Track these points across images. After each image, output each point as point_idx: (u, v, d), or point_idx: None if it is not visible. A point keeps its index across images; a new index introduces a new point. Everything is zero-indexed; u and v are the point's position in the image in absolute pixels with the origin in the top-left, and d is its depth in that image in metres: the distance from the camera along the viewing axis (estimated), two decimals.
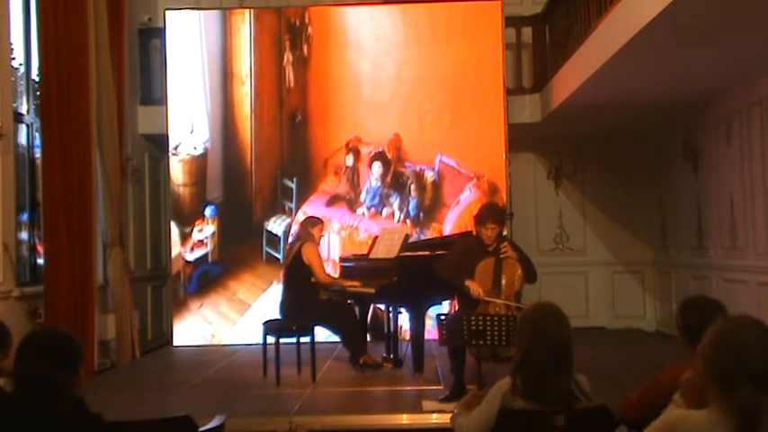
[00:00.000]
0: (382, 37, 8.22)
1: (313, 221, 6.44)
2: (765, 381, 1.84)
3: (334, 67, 8.00)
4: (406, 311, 6.21)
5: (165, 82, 8.26)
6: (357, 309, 6.45)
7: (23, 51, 6.66)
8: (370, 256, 6.46)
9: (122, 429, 2.73)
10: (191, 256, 7.86)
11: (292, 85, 7.90)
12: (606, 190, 9.32)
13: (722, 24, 4.97)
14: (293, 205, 7.81)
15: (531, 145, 9.25)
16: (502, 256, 5.10)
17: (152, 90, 8.62)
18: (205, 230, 7.80)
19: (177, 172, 7.88)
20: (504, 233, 5.57)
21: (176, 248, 7.87)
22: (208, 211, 7.85)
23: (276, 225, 7.91)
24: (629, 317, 9.26)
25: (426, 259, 5.68)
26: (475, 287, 5.13)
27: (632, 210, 9.21)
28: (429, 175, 7.83)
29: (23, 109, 6.63)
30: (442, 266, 5.39)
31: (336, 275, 6.79)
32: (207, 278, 7.87)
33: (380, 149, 7.81)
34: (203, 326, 7.87)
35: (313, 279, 6.17)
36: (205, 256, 7.86)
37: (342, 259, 7.23)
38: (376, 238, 6.77)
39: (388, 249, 6.21)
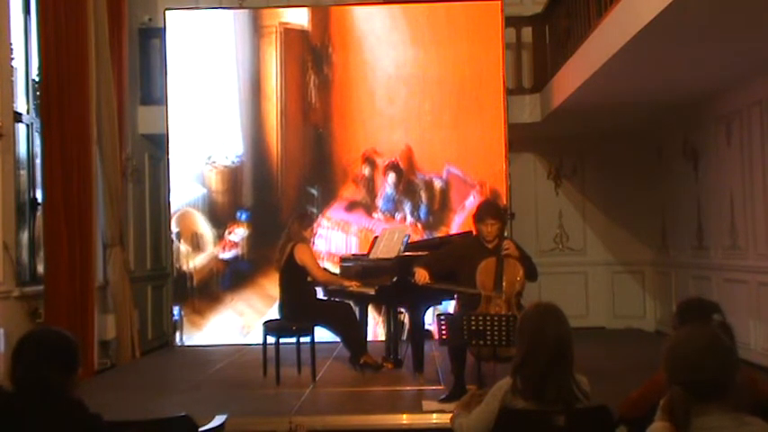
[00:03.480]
0: (383, 37, 8.33)
1: (301, 219, 6.43)
2: (716, 387, 1.99)
3: (352, 86, 8.44)
4: (406, 311, 6.21)
5: (165, 82, 8.27)
6: (357, 309, 6.45)
7: (23, 51, 6.65)
8: (371, 256, 6.46)
9: (122, 429, 2.73)
10: (225, 256, 8.41)
11: (315, 102, 8.44)
12: (606, 190, 9.32)
13: (722, 24, 4.97)
14: (316, 210, 8.33)
15: (531, 145, 9.25)
16: (504, 253, 5.10)
17: (152, 90, 8.63)
18: (238, 233, 8.41)
19: (213, 180, 8.46)
20: (506, 233, 5.58)
21: (211, 248, 8.42)
22: (240, 216, 8.41)
23: None
24: (628, 317, 9.26)
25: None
26: (420, 274, 5.20)
27: (632, 210, 9.21)
28: (437, 184, 8.35)
29: (23, 109, 6.62)
30: (423, 260, 5.42)
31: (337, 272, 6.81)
32: (239, 275, 8.38)
33: (394, 160, 8.34)
34: (236, 318, 8.32)
35: (310, 278, 6.16)
36: (238, 255, 8.40)
37: (342, 259, 7.24)
38: (376, 237, 6.78)
39: (388, 249, 6.21)
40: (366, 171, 8.36)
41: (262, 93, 8.47)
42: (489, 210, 5.31)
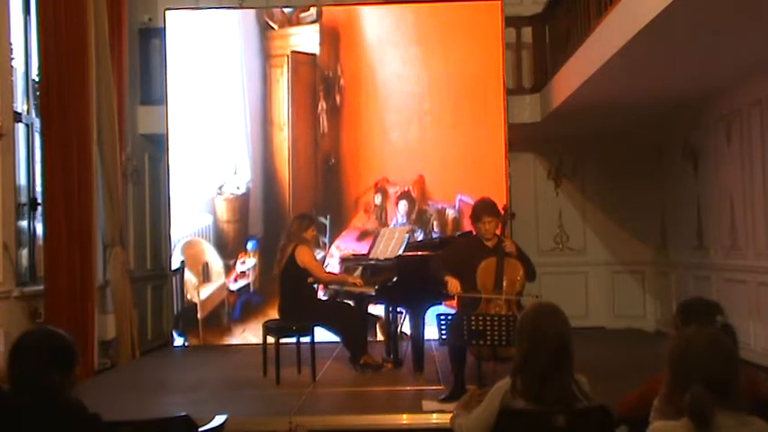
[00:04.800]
0: (383, 37, 8.33)
1: (301, 220, 6.41)
2: (720, 387, 2.01)
3: (363, 113, 8.41)
4: (406, 311, 6.21)
5: (165, 82, 8.27)
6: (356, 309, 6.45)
7: (23, 51, 6.66)
8: (370, 256, 6.46)
9: (121, 429, 2.72)
10: (234, 286, 8.32)
11: (326, 130, 8.40)
12: (606, 190, 9.31)
13: (722, 24, 4.97)
14: (327, 240, 8.27)
15: (531, 145, 9.25)
16: (506, 249, 5.09)
17: (152, 90, 8.62)
18: (247, 263, 8.32)
19: (222, 209, 8.41)
20: (506, 233, 5.57)
21: (221, 279, 8.32)
22: (249, 245, 8.35)
23: None
24: (629, 317, 9.25)
25: (426, 259, 5.68)
26: (452, 283, 5.16)
27: (632, 210, 9.20)
28: (450, 213, 8.31)
29: (23, 109, 6.62)
30: (432, 262, 5.41)
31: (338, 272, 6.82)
32: (249, 306, 8.29)
33: (406, 189, 8.31)
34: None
35: (311, 279, 6.16)
36: (247, 285, 8.32)
37: (342, 260, 7.24)
38: (376, 237, 6.77)
39: (389, 249, 6.21)
40: (378, 200, 8.32)
41: (271, 121, 8.40)
42: (485, 208, 5.32)
